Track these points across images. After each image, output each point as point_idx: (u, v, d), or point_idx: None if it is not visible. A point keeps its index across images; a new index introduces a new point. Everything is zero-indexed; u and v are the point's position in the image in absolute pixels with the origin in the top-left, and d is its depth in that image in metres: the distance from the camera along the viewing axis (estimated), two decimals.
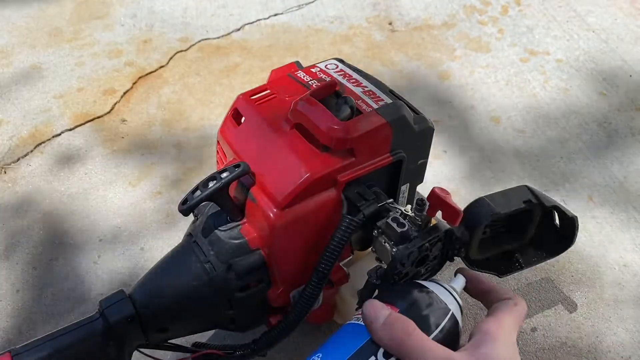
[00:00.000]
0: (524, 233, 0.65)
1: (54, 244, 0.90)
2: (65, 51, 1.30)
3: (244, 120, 0.60)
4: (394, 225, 0.52)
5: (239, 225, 0.56)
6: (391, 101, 0.59)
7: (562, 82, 1.21)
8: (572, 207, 0.95)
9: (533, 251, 0.66)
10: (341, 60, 0.67)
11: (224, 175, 0.53)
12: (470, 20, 1.38)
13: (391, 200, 0.56)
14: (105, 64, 1.26)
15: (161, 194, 0.97)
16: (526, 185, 0.64)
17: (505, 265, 0.66)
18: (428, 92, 1.18)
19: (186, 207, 0.52)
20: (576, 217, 0.63)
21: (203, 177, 0.54)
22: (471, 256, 0.62)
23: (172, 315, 0.55)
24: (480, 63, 1.26)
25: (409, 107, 0.60)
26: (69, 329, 0.52)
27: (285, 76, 0.64)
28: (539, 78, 1.22)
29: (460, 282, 0.54)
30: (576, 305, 0.81)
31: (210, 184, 0.53)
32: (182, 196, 0.53)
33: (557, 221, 0.65)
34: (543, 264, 0.86)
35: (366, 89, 0.61)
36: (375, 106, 0.58)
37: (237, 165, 0.53)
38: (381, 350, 0.44)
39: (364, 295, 0.56)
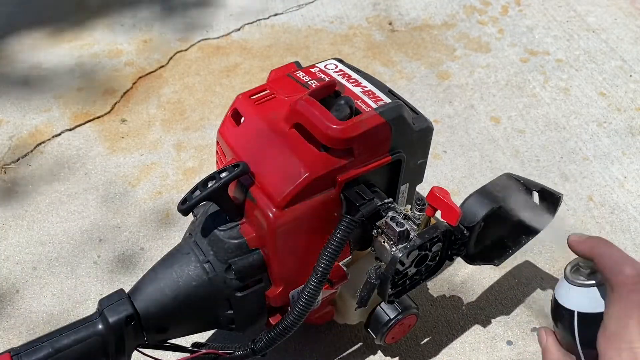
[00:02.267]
0: (511, 218, 0.66)
1: (53, 244, 0.90)
2: (65, 51, 1.30)
3: (244, 120, 0.60)
4: (393, 224, 0.52)
5: (238, 225, 0.56)
6: (390, 101, 0.59)
7: (562, 82, 1.20)
8: (572, 206, 0.95)
9: (520, 232, 0.68)
10: (340, 60, 0.67)
11: (223, 175, 0.53)
12: (470, 20, 1.38)
13: (390, 199, 0.56)
14: (105, 63, 1.26)
15: (161, 194, 0.98)
16: (507, 174, 0.65)
17: (498, 253, 0.67)
18: (428, 92, 1.18)
19: (185, 207, 0.52)
20: (562, 195, 0.66)
21: (203, 177, 0.54)
22: (469, 252, 0.62)
23: (171, 315, 0.55)
24: (480, 63, 1.26)
25: (408, 106, 0.60)
26: (68, 328, 0.52)
27: (284, 76, 0.64)
28: (539, 78, 1.21)
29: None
30: None
31: (210, 184, 0.53)
32: (182, 196, 0.53)
33: (538, 200, 0.68)
34: (543, 262, 0.86)
35: (365, 88, 0.61)
36: (374, 106, 0.58)
37: (237, 165, 0.53)
38: None
39: (364, 294, 0.56)
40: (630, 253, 0.89)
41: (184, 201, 0.53)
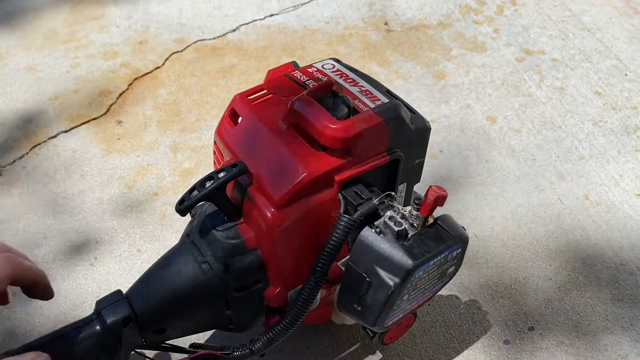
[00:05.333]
0: None
1: (50, 246, 0.89)
2: (61, 52, 1.29)
3: (241, 120, 0.60)
4: (392, 224, 0.52)
5: (236, 225, 0.56)
6: (388, 100, 0.59)
7: (558, 81, 1.21)
8: (568, 205, 0.95)
9: None
10: (338, 60, 0.67)
11: (221, 175, 0.53)
12: (465, 20, 1.39)
13: (389, 196, 0.56)
14: (100, 65, 1.26)
15: (157, 195, 0.97)
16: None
17: None
18: (424, 92, 1.18)
19: (183, 207, 0.52)
20: None
21: (199, 178, 0.54)
22: None
23: (169, 316, 0.55)
24: (476, 63, 1.26)
25: (406, 106, 0.60)
26: (65, 330, 0.52)
27: (282, 76, 0.64)
28: (535, 77, 1.22)
29: None
30: (573, 304, 0.81)
31: (208, 184, 0.52)
32: (179, 197, 0.53)
33: None
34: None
35: (363, 88, 0.61)
36: (372, 105, 0.58)
37: (234, 165, 0.53)
38: None
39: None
40: (626, 252, 0.89)
41: (181, 201, 0.52)
